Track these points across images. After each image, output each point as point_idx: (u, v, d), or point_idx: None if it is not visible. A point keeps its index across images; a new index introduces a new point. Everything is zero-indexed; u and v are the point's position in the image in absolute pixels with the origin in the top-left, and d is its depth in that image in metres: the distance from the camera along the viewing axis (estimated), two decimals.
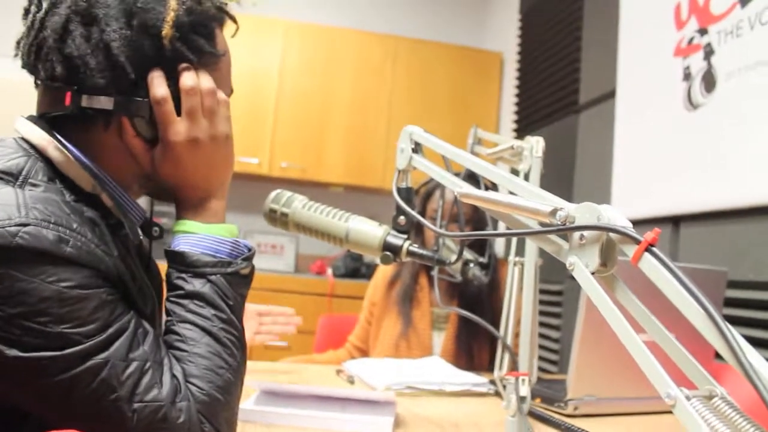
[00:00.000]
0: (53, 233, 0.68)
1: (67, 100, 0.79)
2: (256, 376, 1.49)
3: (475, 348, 1.98)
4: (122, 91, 0.80)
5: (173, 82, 0.82)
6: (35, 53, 0.80)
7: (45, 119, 0.82)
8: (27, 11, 0.83)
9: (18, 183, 0.73)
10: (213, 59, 0.87)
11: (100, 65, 0.78)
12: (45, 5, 0.80)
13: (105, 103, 0.79)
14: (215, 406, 0.77)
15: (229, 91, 0.92)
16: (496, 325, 1.18)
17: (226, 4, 0.90)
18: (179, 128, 0.83)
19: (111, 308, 0.72)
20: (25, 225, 0.67)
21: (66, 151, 0.78)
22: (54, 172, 0.77)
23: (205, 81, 0.85)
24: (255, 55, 3.89)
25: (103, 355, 0.69)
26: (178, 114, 0.83)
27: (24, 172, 0.74)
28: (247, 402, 1.16)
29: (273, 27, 3.97)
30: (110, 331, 0.71)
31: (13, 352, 0.66)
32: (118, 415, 0.70)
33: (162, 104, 0.81)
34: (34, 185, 0.73)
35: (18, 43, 0.84)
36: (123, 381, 0.70)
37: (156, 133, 0.83)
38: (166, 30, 0.80)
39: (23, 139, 0.80)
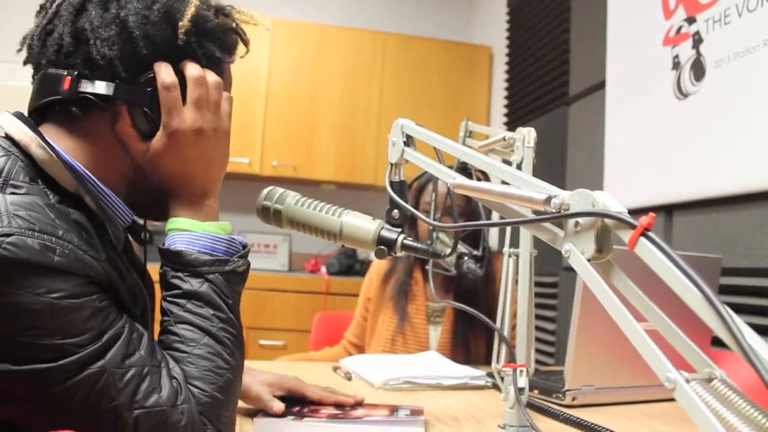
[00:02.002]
0: (39, 242, 0.65)
1: (66, 84, 0.78)
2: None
3: (471, 341, 1.98)
4: (127, 70, 0.79)
5: (178, 76, 0.82)
6: (45, 36, 0.80)
7: (35, 111, 0.81)
8: (42, 6, 0.84)
9: None
10: (218, 70, 0.88)
11: (111, 38, 0.78)
12: None
13: (105, 88, 0.79)
14: (217, 407, 0.76)
15: None
16: (492, 318, 1.18)
17: (242, 28, 0.92)
18: (185, 116, 0.83)
19: (104, 315, 0.70)
20: (8, 235, 0.64)
21: (49, 150, 0.75)
22: (36, 171, 0.75)
23: (211, 75, 0.85)
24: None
25: (99, 364, 0.68)
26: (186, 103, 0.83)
27: (4, 174, 0.71)
28: (264, 413, 1.11)
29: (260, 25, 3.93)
30: (105, 338, 0.69)
31: (6, 367, 0.64)
32: (119, 422, 0.68)
33: (170, 90, 0.81)
34: (15, 187, 0.71)
35: (25, 37, 0.84)
36: (121, 388, 0.68)
37: (151, 126, 0.82)
38: (184, 22, 0.81)
39: (5, 136, 0.78)
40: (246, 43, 0.93)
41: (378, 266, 2.16)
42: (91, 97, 0.78)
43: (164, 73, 0.81)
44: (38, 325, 0.64)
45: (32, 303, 0.64)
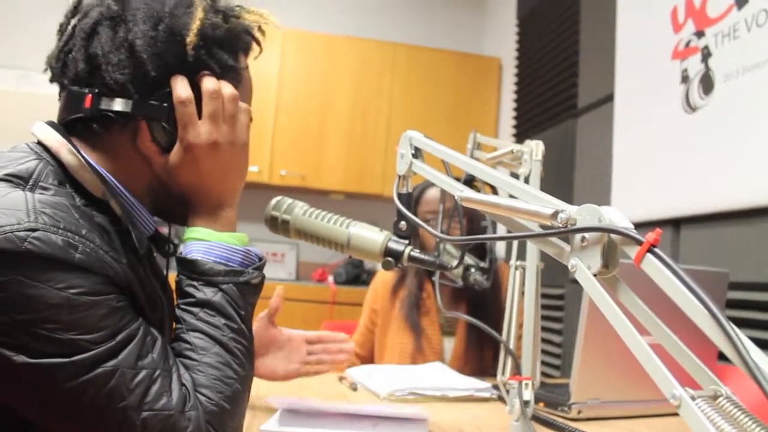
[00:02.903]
0: (62, 239, 0.68)
1: (88, 102, 0.80)
2: (256, 384, 1.48)
3: (485, 350, 1.98)
4: (141, 92, 0.81)
5: (195, 89, 0.83)
6: (63, 57, 0.82)
7: (63, 125, 0.83)
8: (61, 26, 0.86)
9: (28, 186, 0.72)
10: (234, 76, 0.88)
11: (121, 62, 0.79)
12: (79, 14, 0.83)
13: (124, 105, 0.80)
14: (223, 416, 0.77)
15: (251, 120, 0.94)
16: (500, 328, 1.18)
17: (253, 28, 0.92)
18: (201, 130, 0.84)
19: (120, 315, 0.72)
20: (34, 230, 0.66)
21: (78, 155, 0.78)
22: (65, 175, 0.77)
23: (227, 87, 0.86)
24: (253, 64, 3.87)
25: (112, 363, 0.69)
26: (199, 118, 0.84)
27: (35, 176, 0.74)
28: (271, 422, 1.12)
29: (271, 35, 3.96)
30: (119, 338, 0.70)
31: (21, 359, 0.65)
32: (127, 423, 0.69)
33: (186, 105, 0.82)
34: (44, 188, 0.73)
35: (48, 58, 0.86)
36: (132, 389, 0.69)
37: (171, 139, 0.84)
38: (191, 37, 0.82)
39: (38, 142, 0.80)
40: (259, 42, 0.94)
41: (384, 277, 2.15)
42: (111, 114, 0.81)
43: (179, 88, 0.82)
44: (56, 318, 0.66)
45: (52, 297, 0.66)
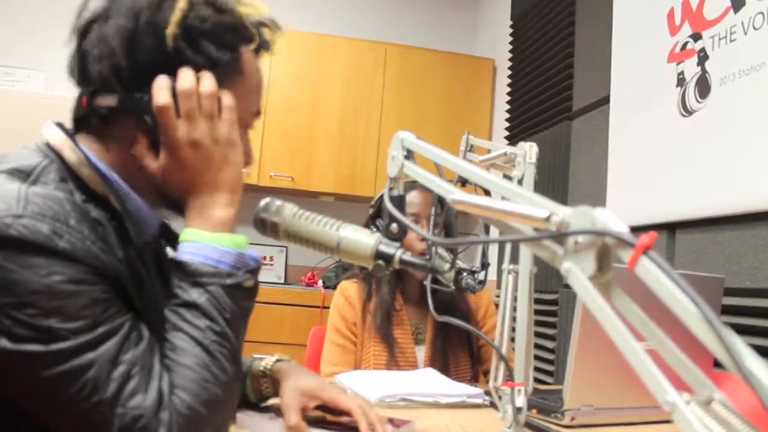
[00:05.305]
0: (48, 227, 0.69)
1: (83, 101, 0.83)
2: None
3: (450, 354, 1.96)
4: (124, 85, 0.81)
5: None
6: (70, 59, 0.86)
7: (74, 124, 0.87)
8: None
9: (29, 180, 0.74)
10: (228, 71, 0.87)
11: (102, 54, 0.81)
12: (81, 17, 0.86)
13: (110, 100, 0.82)
14: (197, 421, 0.75)
15: (256, 113, 0.95)
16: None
17: (249, 18, 0.91)
18: (179, 130, 0.83)
19: (103, 307, 0.72)
20: (20, 216, 0.68)
21: (78, 152, 0.80)
22: (68, 172, 0.79)
23: (206, 83, 0.84)
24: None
25: (90, 355, 0.69)
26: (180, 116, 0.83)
27: (36, 171, 0.76)
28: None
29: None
30: (100, 330, 0.70)
31: (2, 342, 0.67)
32: (101, 418, 0.69)
33: (163, 112, 0.81)
34: (44, 183, 0.75)
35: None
36: (107, 384, 0.69)
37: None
38: (171, 29, 0.81)
39: (46, 142, 0.82)
40: (252, 35, 0.92)
41: (352, 289, 2.06)
42: (102, 110, 0.82)
43: (155, 89, 0.81)
44: (36, 304, 0.67)
45: (33, 283, 0.67)
